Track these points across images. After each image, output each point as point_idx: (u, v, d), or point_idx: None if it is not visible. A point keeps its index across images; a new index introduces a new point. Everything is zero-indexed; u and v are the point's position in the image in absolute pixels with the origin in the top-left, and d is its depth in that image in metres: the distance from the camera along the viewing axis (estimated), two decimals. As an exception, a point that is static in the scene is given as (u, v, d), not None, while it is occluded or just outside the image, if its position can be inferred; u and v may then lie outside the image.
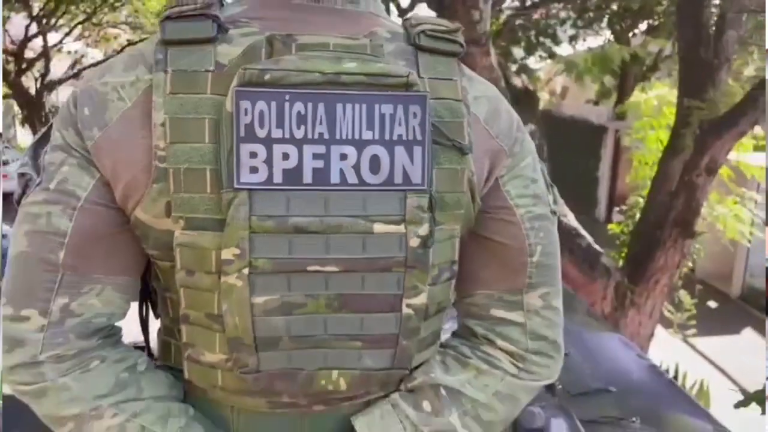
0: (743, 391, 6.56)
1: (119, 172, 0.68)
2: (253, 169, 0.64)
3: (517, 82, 5.37)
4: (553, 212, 0.80)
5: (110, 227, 0.70)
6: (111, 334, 0.73)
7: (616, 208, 10.10)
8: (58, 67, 16.19)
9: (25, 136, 18.63)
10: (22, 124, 16.77)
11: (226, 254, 0.65)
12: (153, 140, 0.66)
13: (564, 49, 11.68)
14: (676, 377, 5.19)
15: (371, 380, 0.71)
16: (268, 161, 0.65)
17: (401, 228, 0.67)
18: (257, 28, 0.70)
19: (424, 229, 0.67)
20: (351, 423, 0.73)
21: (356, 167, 0.66)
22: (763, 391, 1.41)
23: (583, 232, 5.36)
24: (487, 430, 0.74)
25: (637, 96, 8.53)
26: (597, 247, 5.33)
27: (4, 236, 7.56)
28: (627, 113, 9.05)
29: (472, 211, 0.74)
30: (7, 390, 0.93)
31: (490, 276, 0.76)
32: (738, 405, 1.52)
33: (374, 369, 0.70)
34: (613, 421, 2.28)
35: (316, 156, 0.65)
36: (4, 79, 15.06)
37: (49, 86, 15.78)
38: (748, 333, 8.24)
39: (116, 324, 0.74)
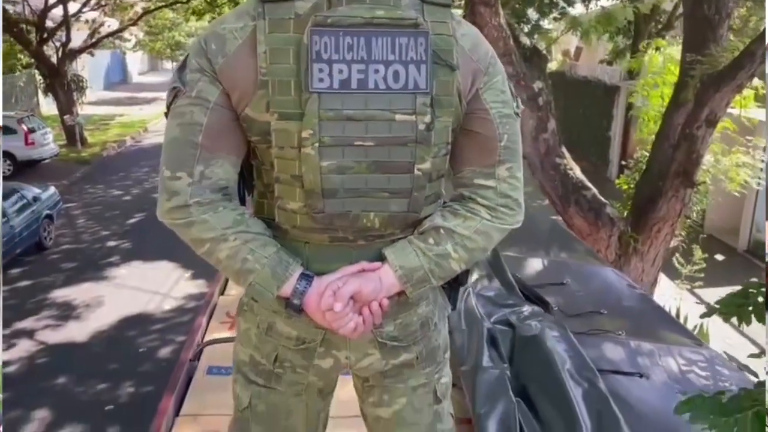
0: (743, 334, 6.85)
1: (236, 85, 1.04)
2: (320, 80, 1.01)
3: (526, 41, 5.58)
4: (516, 113, 1.14)
5: (229, 121, 1.06)
6: (228, 193, 1.09)
7: (623, 163, 10.32)
8: (77, 36, 16.49)
9: (48, 105, 19.13)
10: (45, 92, 17.18)
11: (304, 134, 1.01)
12: (258, 63, 1.02)
13: (578, 10, 11.74)
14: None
15: (395, 221, 1.08)
16: (330, 75, 1.01)
17: (413, 117, 1.03)
18: None
19: (427, 118, 1.04)
20: (382, 253, 1.09)
21: (384, 78, 1.02)
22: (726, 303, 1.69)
23: (589, 184, 5.63)
24: (470, 255, 1.12)
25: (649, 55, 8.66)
26: (602, 198, 5.60)
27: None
28: (639, 72, 9.17)
29: (460, 110, 1.09)
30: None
31: (473, 157, 1.13)
32: (703, 315, 1.81)
33: (396, 212, 1.07)
34: (600, 334, 2.59)
35: (359, 71, 1.02)
36: (26, 48, 15.39)
37: (70, 55, 16.11)
38: (753, 284, 8.49)
39: (230, 187, 1.09)
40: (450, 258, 1.09)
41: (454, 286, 1.23)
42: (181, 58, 1.10)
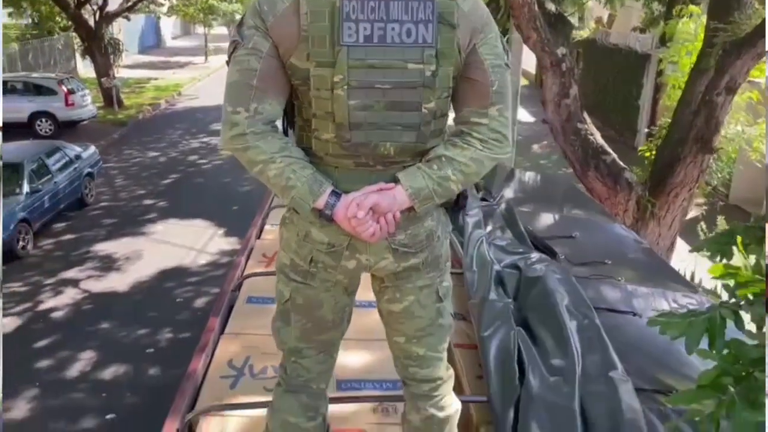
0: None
1: (282, 39, 1.31)
2: (349, 35, 1.28)
3: (551, 6, 5.68)
4: (506, 65, 1.38)
5: (277, 68, 1.33)
6: (275, 127, 1.36)
7: (646, 130, 10.32)
8: (113, 0, 16.80)
9: (85, 67, 19.62)
10: (83, 55, 17.62)
11: (336, 78, 1.28)
12: (300, 22, 1.28)
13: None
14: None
15: (406, 150, 1.36)
16: (356, 31, 1.27)
17: (421, 66, 1.30)
18: None
19: (433, 67, 1.30)
20: (395, 176, 1.36)
21: (399, 34, 1.28)
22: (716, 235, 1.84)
23: (608, 149, 5.76)
24: (466, 178, 1.37)
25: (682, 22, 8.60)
26: (621, 163, 5.74)
27: None
28: (671, 39, 9.11)
29: (459, 61, 1.34)
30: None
31: (469, 99, 1.37)
32: (692, 250, 1.98)
33: (407, 142, 1.34)
34: (602, 278, 2.82)
35: (379, 28, 1.28)
36: (65, 11, 15.76)
37: (107, 18, 16.46)
38: (775, 254, 8.54)
39: (276, 122, 1.36)
40: (450, 180, 1.34)
41: (455, 209, 1.50)
42: (238, 17, 1.35)
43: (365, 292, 1.69)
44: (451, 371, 1.60)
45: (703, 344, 1.40)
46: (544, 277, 2.55)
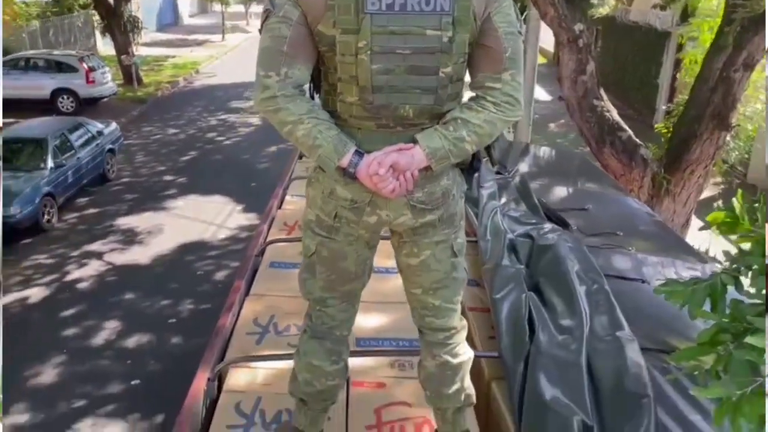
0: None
1: (310, 8, 1.40)
2: (372, 3, 1.36)
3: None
4: (519, 32, 1.46)
5: (305, 36, 1.43)
6: (303, 90, 1.46)
7: (664, 107, 10.26)
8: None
9: (105, 45, 19.79)
10: (102, 33, 17.76)
11: (360, 44, 1.38)
12: None
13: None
14: (703, 258, 5.67)
15: (424, 112, 1.44)
16: (379, 0, 1.35)
17: (439, 32, 1.39)
18: None
19: (450, 34, 1.39)
20: (414, 137, 1.45)
21: (419, 2, 1.37)
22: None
23: (624, 126, 5.78)
24: (480, 139, 1.46)
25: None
26: (637, 140, 5.76)
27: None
28: (693, 14, 9.01)
29: (475, 29, 1.42)
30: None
31: (484, 65, 1.46)
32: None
33: (425, 105, 1.43)
34: (612, 248, 2.90)
35: None
36: (85, -11, 15.88)
37: (126, -4, 16.57)
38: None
39: (304, 86, 1.45)
40: (465, 141, 1.43)
41: (470, 171, 1.59)
42: None
43: (381, 259, 1.80)
44: (464, 322, 1.70)
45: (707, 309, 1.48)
46: (556, 245, 2.63)
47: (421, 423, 1.88)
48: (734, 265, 1.28)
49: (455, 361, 1.65)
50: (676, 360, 1.96)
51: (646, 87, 13.15)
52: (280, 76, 1.40)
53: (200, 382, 1.93)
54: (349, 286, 1.64)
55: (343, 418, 1.88)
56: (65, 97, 13.68)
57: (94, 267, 7.53)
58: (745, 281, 1.53)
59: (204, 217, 8.85)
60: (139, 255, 7.81)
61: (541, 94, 13.71)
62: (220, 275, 7.33)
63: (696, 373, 1.46)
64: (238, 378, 2.03)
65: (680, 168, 5.61)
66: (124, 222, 8.79)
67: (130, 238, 8.30)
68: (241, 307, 2.43)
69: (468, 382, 1.71)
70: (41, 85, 13.49)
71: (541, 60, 12.94)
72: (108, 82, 14.44)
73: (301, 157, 4.28)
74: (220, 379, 2.04)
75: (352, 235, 1.56)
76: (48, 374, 5.58)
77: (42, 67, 13.90)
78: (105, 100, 14.45)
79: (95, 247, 8.04)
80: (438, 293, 1.62)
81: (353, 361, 1.87)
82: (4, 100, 12.97)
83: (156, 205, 9.36)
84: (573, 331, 2.04)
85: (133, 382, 5.48)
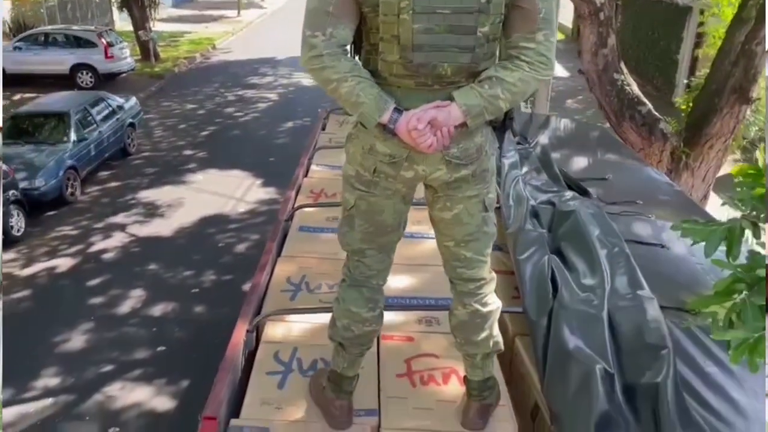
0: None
1: None
2: None
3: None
4: None
5: None
6: (346, 50, 1.54)
7: (685, 81, 10.17)
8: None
9: (122, 21, 19.86)
10: (120, 8, 17.83)
11: (402, 4, 1.44)
12: None
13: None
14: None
15: (461, 70, 1.51)
16: None
17: None
18: None
19: None
20: (451, 95, 1.53)
21: None
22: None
23: (644, 99, 5.78)
24: (513, 97, 1.53)
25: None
26: (656, 114, 5.76)
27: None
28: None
29: None
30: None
31: (519, 25, 1.52)
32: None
33: (463, 63, 1.50)
34: (632, 214, 2.96)
35: None
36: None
37: (143, -28, 16.58)
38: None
39: (347, 46, 1.53)
40: (499, 99, 1.50)
41: (502, 129, 1.67)
42: None
43: (410, 225, 1.88)
44: (494, 274, 1.79)
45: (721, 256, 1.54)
46: (577, 211, 2.70)
47: (449, 372, 1.98)
48: (754, 212, 1.34)
49: (485, 309, 1.74)
50: (692, 307, 2.03)
51: (666, 63, 13.00)
52: (325, 35, 1.48)
53: (240, 333, 2.04)
54: (386, 238, 1.73)
55: (375, 367, 1.99)
56: (84, 72, 13.82)
57: (117, 238, 7.70)
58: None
59: (224, 191, 8.98)
60: (161, 227, 7.97)
61: (559, 70, 13.61)
62: (240, 247, 7.47)
63: (710, 320, 1.54)
64: (276, 330, 2.14)
65: (700, 142, 5.61)
66: (146, 195, 8.94)
67: (152, 210, 8.45)
68: (273, 268, 2.53)
69: (496, 330, 1.81)
70: (61, 60, 13.64)
71: (559, 36, 12.84)
72: (126, 57, 14.54)
73: (324, 128, 4.36)
74: (257, 332, 2.15)
75: (390, 190, 1.64)
76: (77, 340, 5.77)
77: (61, 43, 14.03)
78: (123, 75, 14.57)
79: (118, 219, 8.21)
80: (469, 246, 1.70)
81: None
82: (25, 75, 13.23)
83: (176, 179, 9.49)
84: (595, 289, 2.12)
85: (159, 349, 5.65)
